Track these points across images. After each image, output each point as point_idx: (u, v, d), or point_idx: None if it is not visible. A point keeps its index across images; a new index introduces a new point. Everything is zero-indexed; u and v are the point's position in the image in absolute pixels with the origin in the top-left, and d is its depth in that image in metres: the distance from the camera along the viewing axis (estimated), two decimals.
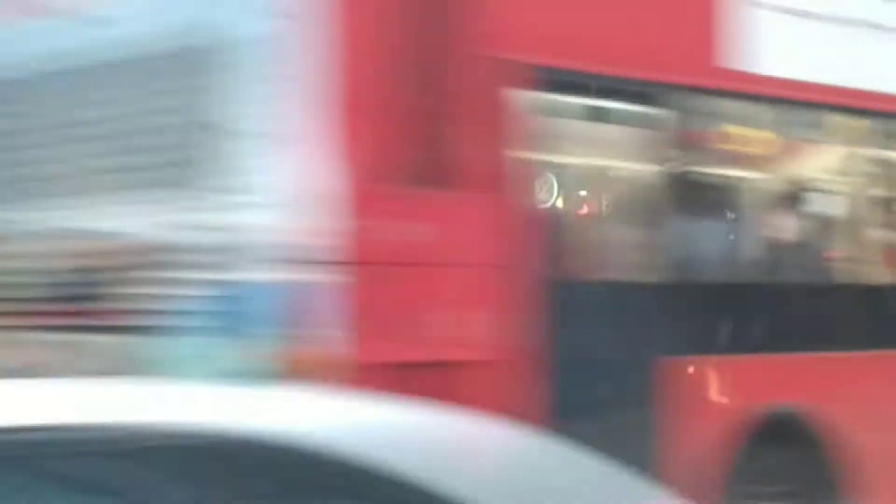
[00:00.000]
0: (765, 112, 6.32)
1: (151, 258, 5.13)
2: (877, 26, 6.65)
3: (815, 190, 6.59)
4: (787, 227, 6.38)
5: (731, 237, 6.32)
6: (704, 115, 6.20)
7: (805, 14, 6.32)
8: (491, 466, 2.29)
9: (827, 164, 6.80)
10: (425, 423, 2.37)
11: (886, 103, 6.62)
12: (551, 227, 5.61)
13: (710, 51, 6.06)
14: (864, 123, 6.66)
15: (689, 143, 6.12)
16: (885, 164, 6.89)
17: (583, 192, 6.08)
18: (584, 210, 6.03)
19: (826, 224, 6.65)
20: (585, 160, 6.03)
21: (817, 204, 6.58)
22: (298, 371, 4.59)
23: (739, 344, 6.02)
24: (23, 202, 5.56)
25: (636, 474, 2.34)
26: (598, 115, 5.85)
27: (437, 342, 4.99)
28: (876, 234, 6.78)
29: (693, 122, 6.11)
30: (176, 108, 5.05)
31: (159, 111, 5.10)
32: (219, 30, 4.88)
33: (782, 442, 5.88)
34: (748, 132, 6.37)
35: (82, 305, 5.29)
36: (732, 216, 6.38)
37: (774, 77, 6.20)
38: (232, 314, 4.79)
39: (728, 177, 6.35)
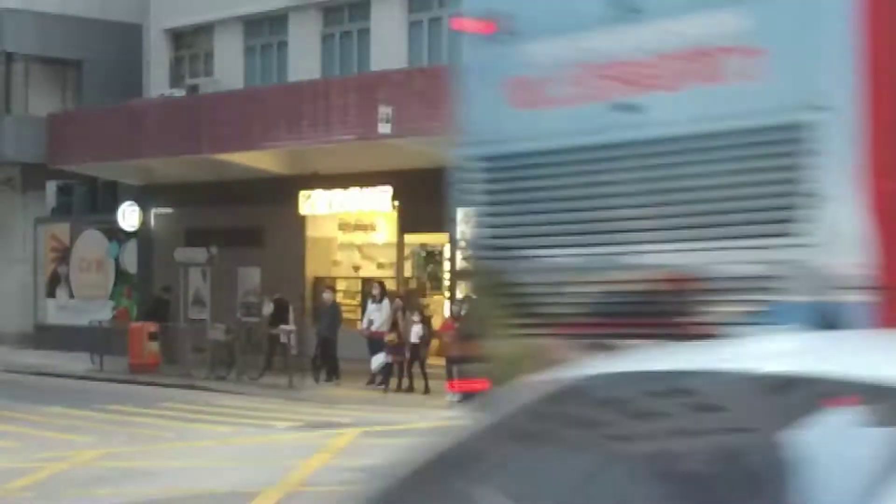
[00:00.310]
0: None
1: (733, 286, 7.11)
2: None
3: None
4: None
5: None
6: None
7: None
8: None
9: None
10: None
11: None
12: None
13: None
14: None
15: None
16: None
17: None
18: None
19: None
20: None
21: None
22: None
23: None
24: (623, 244, 7.60)
25: None
26: None
27: None
28: None
29: None
30: (760, 174, 7.08)
31: (751, 177, 7.13)
32: (787, 115, 6.95)
33: None
34: None
35: (673, 319, 7.17)
36: None
37: None
38: (801, 327, 6.56)
39: None
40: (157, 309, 29.73)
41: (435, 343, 24.76)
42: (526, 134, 8.21)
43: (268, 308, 28.20)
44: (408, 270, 28.34)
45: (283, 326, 25.94)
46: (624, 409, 3.44)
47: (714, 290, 7.17)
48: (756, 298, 6.97)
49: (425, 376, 23.69)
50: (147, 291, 32.48)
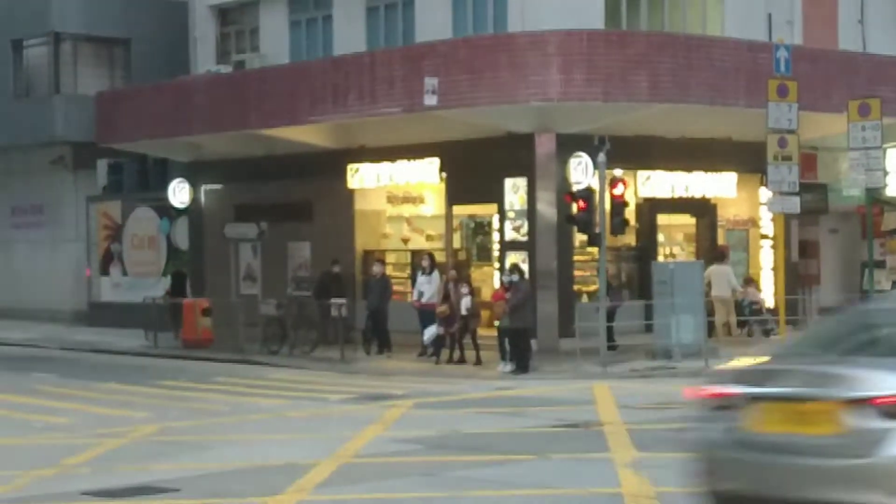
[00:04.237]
0: None
1: None
2: None
3: None
4: None
5: None
6: None
7: None
8: None
9: None
10: None
11: None
12: None
13: None
14: None
15: None
16: None
17: None
18: None
19: None
20: None
21: None
22: None
23: None
24: None
25: None
26: None
27: None
28: None
29: None
30: None
31: None
32: None
33: None
34: None
35: None
36: None
37: None
38: None
39: None
40: (328, 285, 27.26)
41: (486, 314, 24.77)
42: None
43: (165, 282, 30.38)
44: (457, 242, 28.34)
45: (334, 300, 26.00)
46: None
47: None
48: None
49: (476, 347, 23.72)
50: (198, 267, 32.71)
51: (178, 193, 31.99)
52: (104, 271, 36.22)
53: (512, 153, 25.47)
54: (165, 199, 32.35)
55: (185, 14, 33.66)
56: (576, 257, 26.14)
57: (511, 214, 25.98)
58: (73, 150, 36.39)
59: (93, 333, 32.94)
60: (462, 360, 23.88)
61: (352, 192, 28.90)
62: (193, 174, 32.30)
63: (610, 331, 23.65)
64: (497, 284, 25.23)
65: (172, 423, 16.89)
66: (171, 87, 31.51)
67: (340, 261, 28.02)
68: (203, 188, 32.46)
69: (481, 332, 24.23)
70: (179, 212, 32.99)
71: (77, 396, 20.36)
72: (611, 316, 23.73)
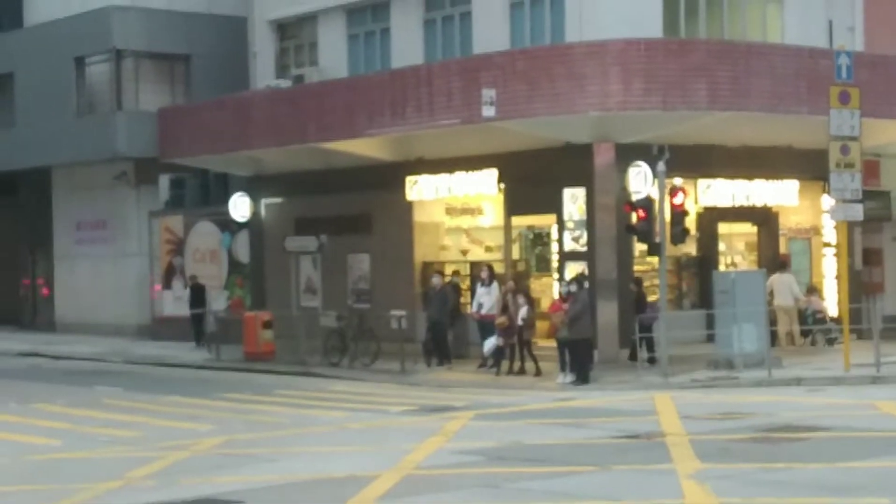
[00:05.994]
0: None
1: None
2: None
3: None
4: None
5: None
6: None
7: None
8: None
9: None
10: None
11: None
12: None
13: None
14: None
15: None
16: None
17: None
18: None
19: None
20: None
21: None
22: None
23: None
24: None
25: None
26: None
27: None
28: None
29: None
30: None
31: None
32: None
33: None
34: None
35: None
36: None
37: None
38: None
39: None
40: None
41: (544, 325, 24.73)
42: None
43: (185, 292, 31.34)
44: (516, 253, 28.32)
45: (393, 312, 26.04)
46: None
47: None
48: None
49: (533, 358, 23.67)
50: (259, 281, 32.92)
51: (239, 207, 32.26)
52: (167, 285, 36.56)
53: (570, 163, 25.43)
54: (226, 213, 32.64)
55: (245, 29, 33.97)
56: (636, 267, 26.04)
57: (570, 225, 25.91)
58: (135, 166, 36.81)
59: (156, 347, 33.27)
60: (522, 371, 23.85)
61: (410, 204, 28.99)
62: (254, 188, 32.55)
63: (650, 342, 23.58)
64: (556, 295, 25.18)
65: (236, 435, 17.01)
66: (231, 102, 31.80)
67: (456, 272, 28.08)
68: (263, 202, 32.70)
69: (542, 342, 24.16)
70: (240, 225, 33.27)
71: (142, 410, 20.57)
72: (648, 328, 23.60)
